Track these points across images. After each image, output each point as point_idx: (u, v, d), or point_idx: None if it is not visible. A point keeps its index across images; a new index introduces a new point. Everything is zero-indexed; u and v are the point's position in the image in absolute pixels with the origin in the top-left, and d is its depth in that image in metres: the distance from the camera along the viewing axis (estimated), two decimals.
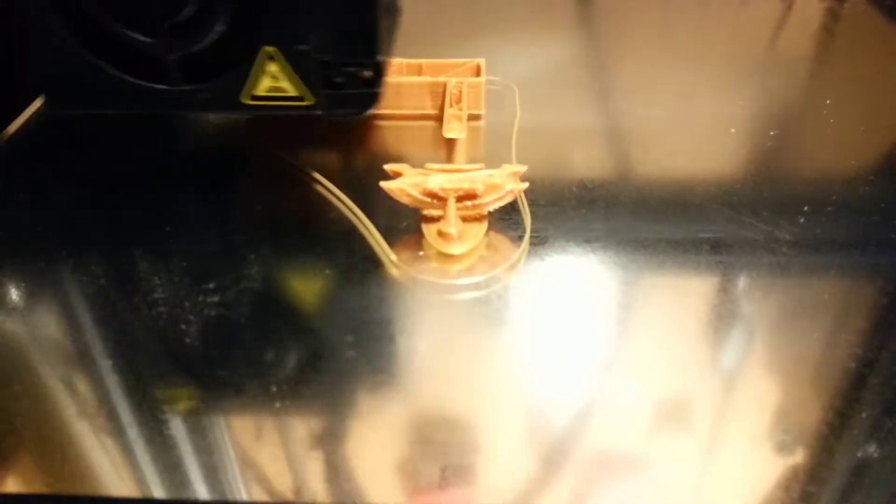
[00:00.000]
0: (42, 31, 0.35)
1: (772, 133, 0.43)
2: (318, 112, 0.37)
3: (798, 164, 0.42)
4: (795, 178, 0.41)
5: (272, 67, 0.35)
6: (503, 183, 0.35)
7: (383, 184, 0.35)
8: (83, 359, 0.30)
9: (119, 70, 0.36)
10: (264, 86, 0.36)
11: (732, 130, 0.43)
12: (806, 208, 0.37)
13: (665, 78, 0.50)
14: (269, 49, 0.35)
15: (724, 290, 0.33)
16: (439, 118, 0.45)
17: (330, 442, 0.27)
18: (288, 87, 0.36)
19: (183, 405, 0.29)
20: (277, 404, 0.28)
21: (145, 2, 0.33)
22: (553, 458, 0.27)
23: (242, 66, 0.36)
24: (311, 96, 0.36)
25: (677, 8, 0.61)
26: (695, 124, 0.45)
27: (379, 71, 0.36)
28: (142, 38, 0.34)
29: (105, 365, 0.30)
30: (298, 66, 0.35)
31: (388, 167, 0.36)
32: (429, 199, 0.35)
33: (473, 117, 0.45)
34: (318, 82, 0.36)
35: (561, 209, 0.38)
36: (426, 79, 0.44)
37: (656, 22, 0.60)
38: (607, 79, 0.51)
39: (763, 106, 0.47)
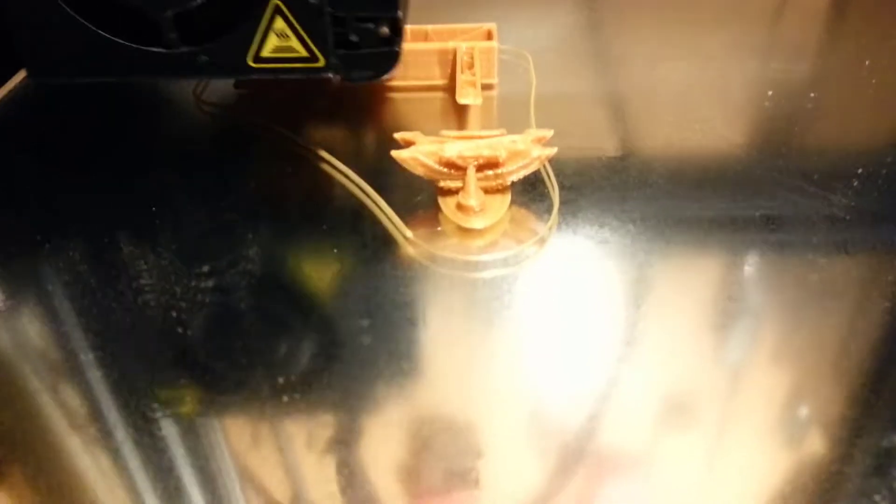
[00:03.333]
0: None
1: (812, 95, 0.40)
2: (331, 75, 0.33)
3: (843, 128, 0.39)
4: (844, 143, 0.37)
5: (280, 24, 0.32)
6: (528, 149, 0.31)
7: (395, 153, 0.32)
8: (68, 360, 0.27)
9: (109, 33, 0.32)
10: (271, 46, 0.32)
11: (770, 93, 0.40)
12: (859, 170, 0.34)
13: (686, 42, 0.47)
14: (276, 2, 0.31)
15: (777, 266, 0.30)
16: (448, 88, 0.41)
17: (343, 440, 0.24)
18: (297, 47, 0.32)
19: (181, 405, 0.25)
20: (285, 398, 0.25)
21: None
22: (574, 456, 0.23)
23: (247, 25, 0.32)
24: (323, 57, 0.33)
25: None
26: (726, 88, 0.41)
27: (397, 28, 0.32)
28: None
29: (91, 362, 0.27)
30: (309, 22, 0.32)
31: (399, 135, 0.33)
32: (446, 170, 0.32)
33: (486, 87, 0.41)
34: (330, 41, 0.33)
35: (590, 179, 0.34)
36: (435, 45, 0.41)
37: None
38: (624, 45, 0.48)
39: (796, 67, 0.43)
